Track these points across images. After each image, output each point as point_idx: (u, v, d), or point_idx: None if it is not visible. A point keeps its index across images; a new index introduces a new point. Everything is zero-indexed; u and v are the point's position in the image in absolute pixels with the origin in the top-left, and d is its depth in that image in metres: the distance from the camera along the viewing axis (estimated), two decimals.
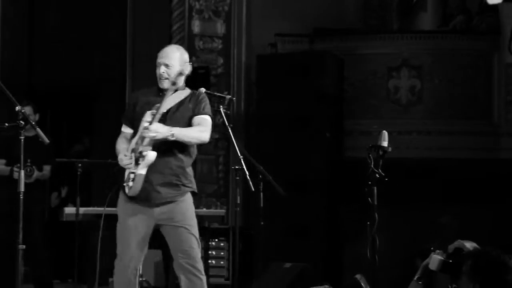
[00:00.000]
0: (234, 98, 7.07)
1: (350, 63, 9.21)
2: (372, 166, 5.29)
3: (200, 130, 5.15)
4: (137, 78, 9.57)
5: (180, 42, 9.58)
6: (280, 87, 8.83)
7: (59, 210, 8.17)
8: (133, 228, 5.13)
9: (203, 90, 5.72)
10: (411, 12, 10.38)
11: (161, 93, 5.22)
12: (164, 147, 5.10)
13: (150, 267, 8.09)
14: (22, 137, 4.77)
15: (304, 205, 8.34)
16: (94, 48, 10.69)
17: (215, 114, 6.09)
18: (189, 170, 5.23)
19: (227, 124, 5.62)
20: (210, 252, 7.79)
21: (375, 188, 5.27)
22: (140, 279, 6.90)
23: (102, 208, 6.86)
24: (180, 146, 5.15)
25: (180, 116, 5.18)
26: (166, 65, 5.25)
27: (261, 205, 6.57)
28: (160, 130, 5.01)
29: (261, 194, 6.51)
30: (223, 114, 5.64)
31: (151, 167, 5.05)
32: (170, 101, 5.17)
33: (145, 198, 5.09)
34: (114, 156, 5.27)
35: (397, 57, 9.23)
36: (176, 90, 5.21)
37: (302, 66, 8.77)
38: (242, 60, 9.67)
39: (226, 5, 9.66)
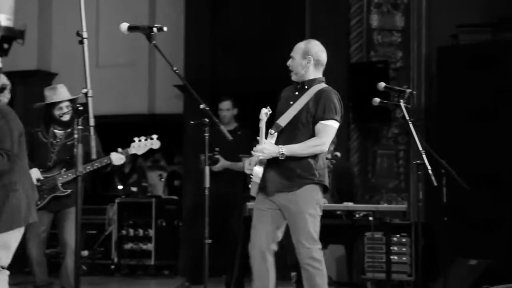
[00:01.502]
0: (414, 92, 6.93)
1: None
2: None
3: (314, 144, 5.09)
4: None
5: (358, 37, 9.55)
6: (462, 79, 8.60)
7: None
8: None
9: (382, 84, 5.66)
10: None
11: (297, 88, 5.28)
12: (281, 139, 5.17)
13: (332, 263, 8.12)
14: (206, 135, 4.90)
15: (489, 199, 8.09)
16: (273, 46, 10.83)
17: (395, 108, 6.01)
18: (309, 162, 5.13)
19: (407, 118, 5.52)
20: (392, 248, 7.70)
21: None
22: None
23: None
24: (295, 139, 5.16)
25: (303, 121, 5.16)
26: (292, 57, 5.30)
27: (444, 200, 6.42)
28: (266, 151, 5.08)
29: (444, 189, 6.37)
30: (403, 108, 5.54)
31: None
32: (296, 106, 5.20)
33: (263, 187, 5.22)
34: None
35: None
36: (308, 87, 5.22)
37: (485, 58, 8.50)
38: (422, 52, 9.49)
39: None
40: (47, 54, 12.27)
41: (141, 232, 10.59)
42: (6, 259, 4.98)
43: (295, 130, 5.15)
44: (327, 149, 5.14)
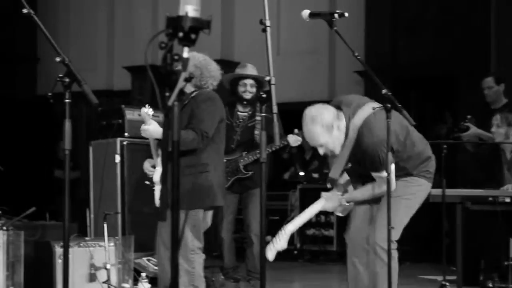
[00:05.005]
0: None
1: None
2: None
3: (378, 192, 4.74)
4: (502, 54, 9.30)
5: None
6: None
7: None
8: None
9: None
10: None
11: None
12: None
13: None
14: (388, 120, 4.83)
15: None
16: (454, 29, 10.57)
17: None
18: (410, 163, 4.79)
19: None
20: None
21: None
22: None
23: (467, 190, 6.76)
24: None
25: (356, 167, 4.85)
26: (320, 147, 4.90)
27: None
28: (328, 207, 4.82)
29: None
30: None
31: None
32: (341, 159, 4.82)
33: None
34: None
35: None
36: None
37: None
38: None
39: None
40: (230, 43, 12.57)
41: (322, 218, 10.66)
42: (198, 242, 5.13)
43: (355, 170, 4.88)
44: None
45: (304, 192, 10.89)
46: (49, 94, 3.93)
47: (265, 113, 4.13)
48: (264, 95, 4.05)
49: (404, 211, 4.75)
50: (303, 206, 10.78)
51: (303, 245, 10.75)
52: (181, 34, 2.53)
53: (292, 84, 11.68)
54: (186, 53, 2.57)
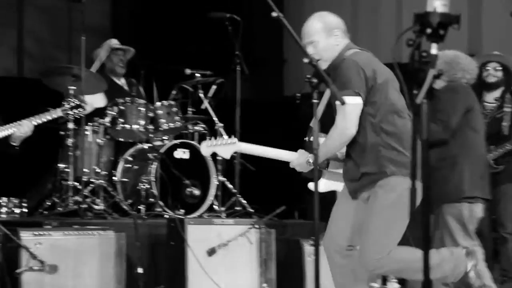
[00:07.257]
0: None
1: None
2: None
3: (336, 135, 4.12)
4: None
5: None
6: None
7: None
8: None
9: None
10: None
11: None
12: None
13: None
14: None
15: None
16: None
17: None
18: (375, 148, 4.17)
19: None
20: None
21: None
22: None
23: None
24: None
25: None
26: (312, 43, 4.37)
27: None
28: (297, 167, 4.29)
29: None
30: None
31: None
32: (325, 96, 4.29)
33: None
34: None
35: None
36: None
37: None
38: None
39: None
40: (478, 37, 12.21)
41: None
42: (470, 239, 5.05)
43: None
44: (354, 131, 4.10)
45: None
46: (298, 94, 4.03)
47: None
48: None
49: (385, 226, 4.20)
50: None
51: None
52: (429, 30, 2.49)
53: None
54: (434, 50, 2.53)
